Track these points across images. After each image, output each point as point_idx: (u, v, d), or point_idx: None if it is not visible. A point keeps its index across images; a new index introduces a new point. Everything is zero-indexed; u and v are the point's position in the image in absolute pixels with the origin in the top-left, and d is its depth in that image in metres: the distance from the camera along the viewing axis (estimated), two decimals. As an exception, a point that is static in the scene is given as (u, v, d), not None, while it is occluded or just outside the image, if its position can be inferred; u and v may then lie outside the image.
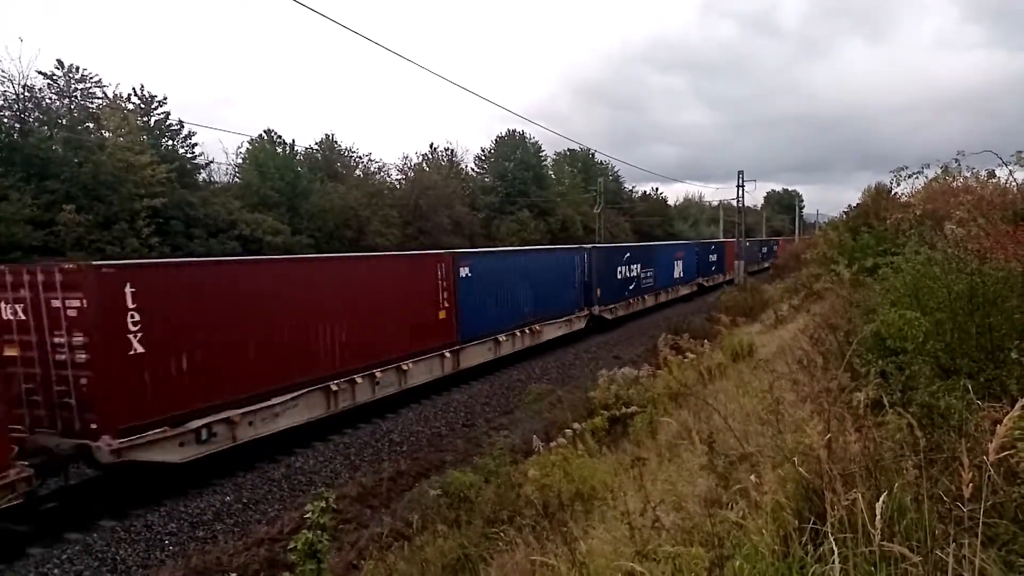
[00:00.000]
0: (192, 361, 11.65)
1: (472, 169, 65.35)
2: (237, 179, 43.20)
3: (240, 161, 44.50)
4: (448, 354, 19.29)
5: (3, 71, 29.18)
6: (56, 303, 10.65)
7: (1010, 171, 8.63)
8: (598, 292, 29.28)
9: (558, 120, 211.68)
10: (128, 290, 10.83)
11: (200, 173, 39.46)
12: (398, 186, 52.18)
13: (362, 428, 15.51)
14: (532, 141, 65.46)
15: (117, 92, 34.27)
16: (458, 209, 51.41)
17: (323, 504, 5.42)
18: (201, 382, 11.77)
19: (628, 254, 33.70)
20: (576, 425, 10.37)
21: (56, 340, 10.70)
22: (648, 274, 35.76)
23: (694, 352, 13.68)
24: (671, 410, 9.84)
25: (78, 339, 10.56)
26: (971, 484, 2.67)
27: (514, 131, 65.41)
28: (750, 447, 4.82)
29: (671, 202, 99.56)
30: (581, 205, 66.86)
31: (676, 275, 41.45)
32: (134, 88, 35.91)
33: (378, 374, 16.33)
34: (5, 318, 11.04)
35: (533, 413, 15.55)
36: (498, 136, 66.43)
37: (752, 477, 3.89)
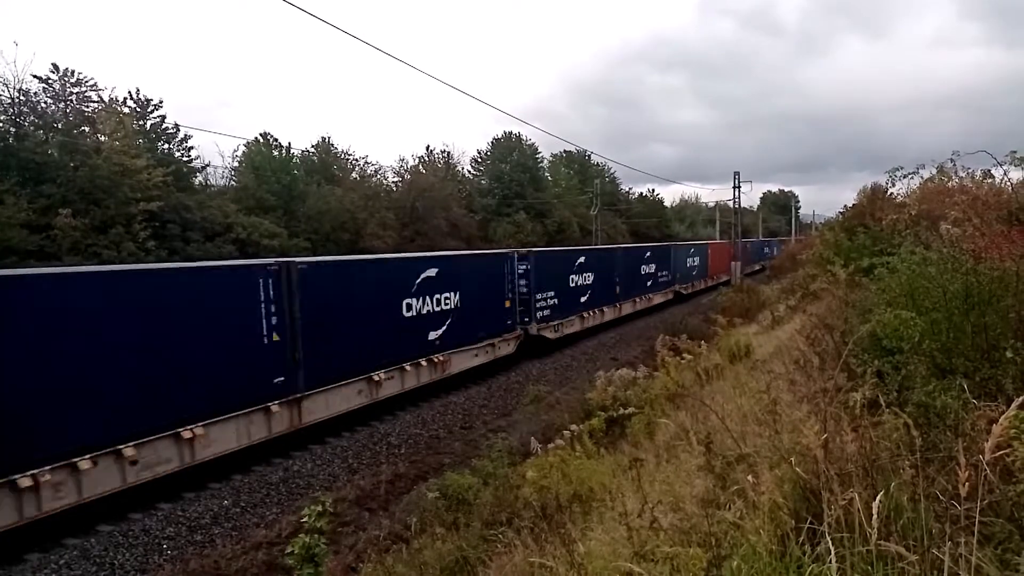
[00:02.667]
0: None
1: (468, 171, 65.47)
2: (233, 182, 43.23)
3: (236, 164, 44.58)
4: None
5: (-1, 75, 29.19)
6: None
7: (1004, 171, 8.66)
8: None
9: (555, 120, 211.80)
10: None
11: (196, 176, 39.48)
12: (395, 189, 52.25)
13: (360, 431, 15.50)
14: (528, 143, 65.58)
15: (113, 96, 34.29)
16: (455, 211, 51.47)
17: (319, 508, 5.42)
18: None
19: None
20: (574, 427, 10.37)
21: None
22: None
23: (691, 353, 13.68)
24: (669, 411, 9.84)
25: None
26: (968, 483, 2.68)
27: (510, 133, 65.56)
28: (747, 447, 4.83)
29: (668, 203, 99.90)
30: (578, 207, 66.95)
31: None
32: (130, 92, 35.86)
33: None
34: None
35: (531, 415, 15.56)
36: (494, 138, 66.58)
37: (749, 477, 3.89)
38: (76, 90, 32.37)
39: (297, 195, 40.73)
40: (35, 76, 30.74)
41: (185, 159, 37.90)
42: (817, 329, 7.73)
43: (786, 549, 3.22)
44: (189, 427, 11.61)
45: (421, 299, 17.88)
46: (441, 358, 18.72)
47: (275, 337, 13.32)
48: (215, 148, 59.42)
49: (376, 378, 16.11)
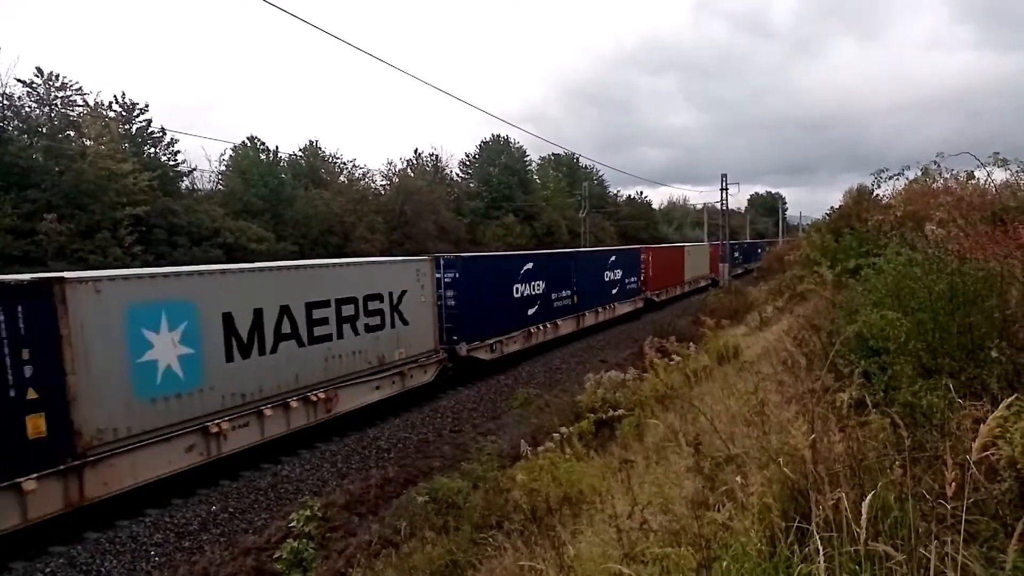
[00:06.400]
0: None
1: (457, 174, 65.44)
2: (220, 186, 42.98)
3: (223, 168, 44.34)
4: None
5: (-18, 80, 28.96)
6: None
7: (988, 172, 8.74)
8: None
9: (546, 123, 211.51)
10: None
11: (183, 181, 39.24)
12: (383, 192, 52.17)
13: (349, 435, 15.44)
14: (517, 146, 65.67)
15: (98, 100, 34.09)
16: (443, 215, 51.47)
17: (308, 513, 5.41)
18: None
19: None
20: (564, 429, 10.37)
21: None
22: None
23: (680, 355, 13.71)
24: (658, 413, 9.86)
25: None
26: (954, 482, 2.70)
27: (499, 136, 65.67)
28: (736, 448, 4.85)
29: (656, 205, 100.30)
30: (566, 209, 67.08)
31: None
32: (115, 96, 35.59)
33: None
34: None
35: (520, 418, 15.55)
36: (483, 141, 66.60)
37: (738, 478, 3.91)
38: (61, 94, 32.18)
39: (285, 199, 40.57)
40: (19, 80, 30.57)
41: (171, 163, 37.66)
42: (804, 330, 7.78)
43: (775, 549, 3.24)
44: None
45: (612, 272, 32.90)
46: (616, 305, 33.26)
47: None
48: (201, 152, 59.01)
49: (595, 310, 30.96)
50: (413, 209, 47.91)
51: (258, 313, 13.07)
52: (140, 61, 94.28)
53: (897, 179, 10.42)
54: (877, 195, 13.29)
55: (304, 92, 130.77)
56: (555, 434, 10.21)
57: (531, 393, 17.26)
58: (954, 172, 10.16)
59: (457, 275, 20.22)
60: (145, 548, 10.22)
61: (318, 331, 14.53)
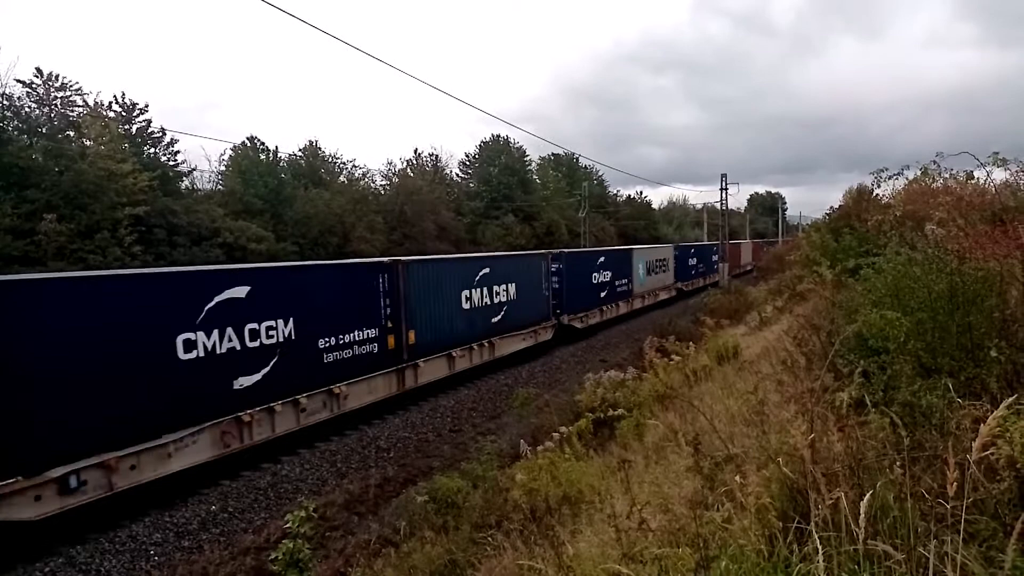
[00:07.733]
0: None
1: (456, 174, 65.37)
2: (220, 186, 42.87)
3: (223, 168, 44.27)
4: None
5: (-19, 80, 28.90)
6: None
7: (987, 172, 8.71)
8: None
9: (546, 122, 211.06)
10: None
11: (183, 181, 39.15)
12: (383, 192, 52.10)
13: (349, 435, 15.45)
14: (516, 146, 65.57)
15: (98, 100, 33.99)
16: (443, 215, 51.41)
17: (303, 514, 5.40)
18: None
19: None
20: (563, 429, 10.36)
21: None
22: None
23: (680, 354, 13.71)
24: (657, 412, 9.86)
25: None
26: (954, 482, 2.69)
27: (498, 136, 65.56)
28: (735, 448, 4.85)
29: (656, 205, 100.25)
30: (566, 209, 66.97)
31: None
32: (115, 96, 35.49)
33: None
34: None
35: (520, 417, 15.53)
36: (482, 141, 66.52)
37: (737, 478, 3.90)
38: (60, 94, 32.07)
39: (284, 199, 40.49)
40: (18, 80, 30.49)
41: (171, 163, 37.59)
42: (804, 330, 7.77)
43: (774, 549, 3.23)
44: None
45: (715, 256, 54.65)
46: (716, 276, 52.30)
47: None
48: (201, 152, 58.86)
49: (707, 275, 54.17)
50: (413, 209, 47.84)
51: (646, 263, 39.46)
52: (140, 61, 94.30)
53: (897, 179, 10.41)
54: (877, 195, 13.23)
55: (304, 92, 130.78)
56: (555, 434, 10.20)
57: (531, 393, 17.23)
58: (954, 172, 10.13)
59: (678, 253, 46.72)
60: (144, 547, 10.23)
61: (657, 269, 41.65)
